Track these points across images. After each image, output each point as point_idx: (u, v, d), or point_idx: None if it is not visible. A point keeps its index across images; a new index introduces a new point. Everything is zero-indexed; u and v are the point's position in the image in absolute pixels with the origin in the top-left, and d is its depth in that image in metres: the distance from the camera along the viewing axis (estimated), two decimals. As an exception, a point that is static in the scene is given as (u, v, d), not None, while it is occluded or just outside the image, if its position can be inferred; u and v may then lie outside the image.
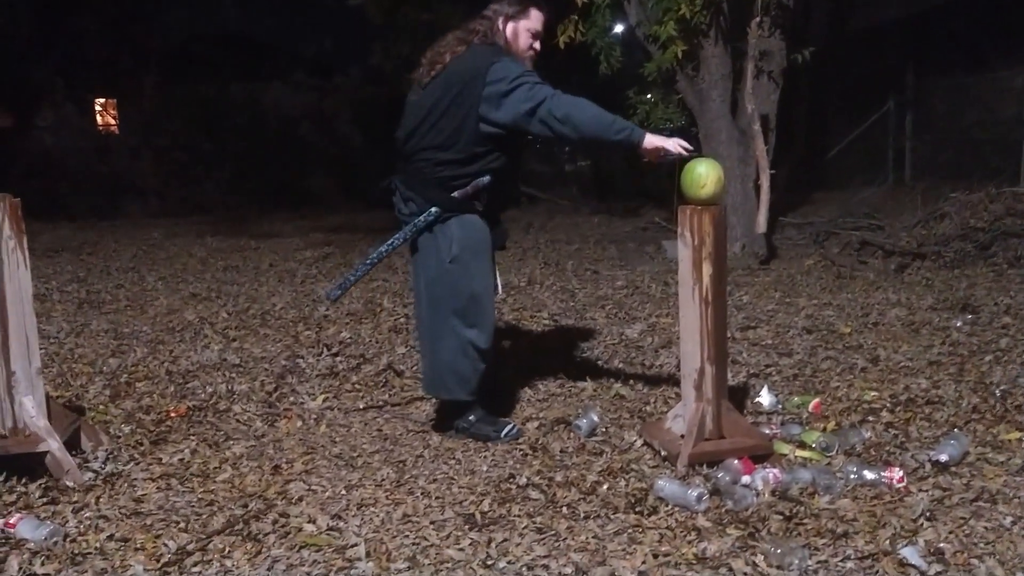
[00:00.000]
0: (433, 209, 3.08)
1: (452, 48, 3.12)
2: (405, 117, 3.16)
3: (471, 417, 3.24)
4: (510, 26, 3.14)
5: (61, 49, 14.96)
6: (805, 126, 11.71)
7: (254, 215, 12.72)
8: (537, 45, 3.19)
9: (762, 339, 4.56)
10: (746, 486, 2.66)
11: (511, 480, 2.84)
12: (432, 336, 3.22)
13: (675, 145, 2.98)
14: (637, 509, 2.58)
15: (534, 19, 3.16)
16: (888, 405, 3.42)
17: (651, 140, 2.98)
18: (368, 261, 3.33)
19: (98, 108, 16.95)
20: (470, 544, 2.40)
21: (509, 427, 3.24)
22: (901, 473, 2.68)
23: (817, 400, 3.46)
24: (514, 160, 3.18)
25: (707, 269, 2.83)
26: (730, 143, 7.31)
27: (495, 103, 2.98)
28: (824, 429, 3.18)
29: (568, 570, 2.24)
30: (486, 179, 3.08)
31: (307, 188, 15.08)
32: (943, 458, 2.78)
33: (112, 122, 16.99)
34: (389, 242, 3.21)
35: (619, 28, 8.78)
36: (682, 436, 2.92)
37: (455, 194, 3.07)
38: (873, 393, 3.56)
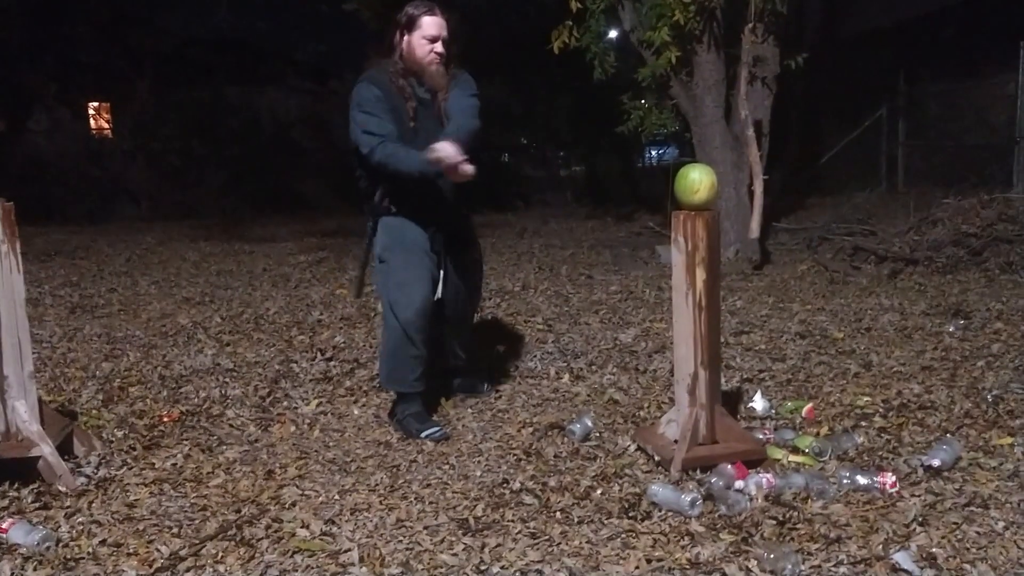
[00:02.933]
0: (370, 221, 3.43)
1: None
2: None
3: (405, 411, 3.39)
4: (405, 39, 3.31)
5: (55, 53, 14.93)
6: (798, 132, 11.77)
7: (248, 219, 12.70)
8: (439, 48, 3.28)
9: (755, 344, 4.57)
10: (739, 491, 2.66)
11: (505, 485, 2.84)
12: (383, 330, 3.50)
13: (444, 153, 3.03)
14: (631, 514, 2.59)
15: (426, 26, 3.27)
16: (881, 410, 3.43)
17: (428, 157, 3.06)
18: (361, 263, 3.69)
19: (92, 112, 16.92)
20: (463, 549, 2.40)
21: (433, 429, 3.32)
22: (894, 478, 2.69)
23: (810, 405, 3.47)
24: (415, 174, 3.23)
25: (700, 274, 2.83)
26: (724, 149, 7.34)
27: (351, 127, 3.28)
28: (817, 434, 3.19)
29: (562, 575, 2.24)
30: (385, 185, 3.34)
31: (301, 192, 15.08)
32: (936, 463, 2.79)
33: (106, 126, 16.96)
34: (364, 248, 3.58)
35: (613, 34, 8.81)
36: (676, 441, 2.92)
37: (376, 199, 3.37)
38: (866, 398, 3.57)
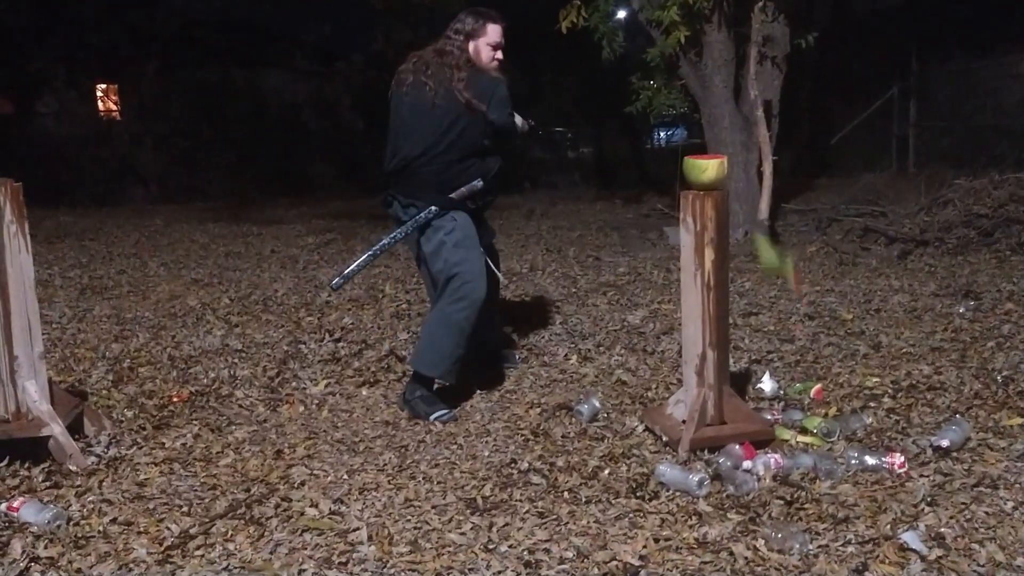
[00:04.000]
0: (433, 208, 3.37)
1: (450, 63, 3.38)
2: (413, 134, 3.40)
3: (417, 392, 3.38)
4: (471, 44, 3.43)
5: (62, 35, 14.90)
6: (808, 112, 11.69)
7: (256, 201, 12.70)
8: (499, 55, 3.48)
9: (764, 325, 4.56)
10: (747, 471, 2.66)
11: (513, 465, 2.84)
12: (430, 315, 3.47)
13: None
14: (638, 494, 2.59)
15: (491, 33, 3.44)
16: (890, 391, 3.42)
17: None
18: (371, 252, 3.57)
19: (99, 94, 16.91)
20: (472, 528, 2.40)
21: (442, 411, 3.32)
22: (902, 459, 2.68)
23: (819, 386, 3.46)
24: (497, 168, 3.52)
25: (709, 255, 2.82)
26: (733, 129, 7.30)
27: (498, 113, 3.38)
28: (825, 415, 3.18)
29: (569, 554, 2.25)
30: (479, 183, 3.42)
31: (308, 174, 15.07)
32: (944, 444, 2.78)
33: (113, 108, 16.95)
34: (392, 235, 3.48)
35: (622, 13, 8.75)
36: (683, 422, 2.92)
37: (452, 195, 3.38)
38: (875, 379, 3.56)
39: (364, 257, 3.55)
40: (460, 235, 3.37)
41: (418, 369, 3.41)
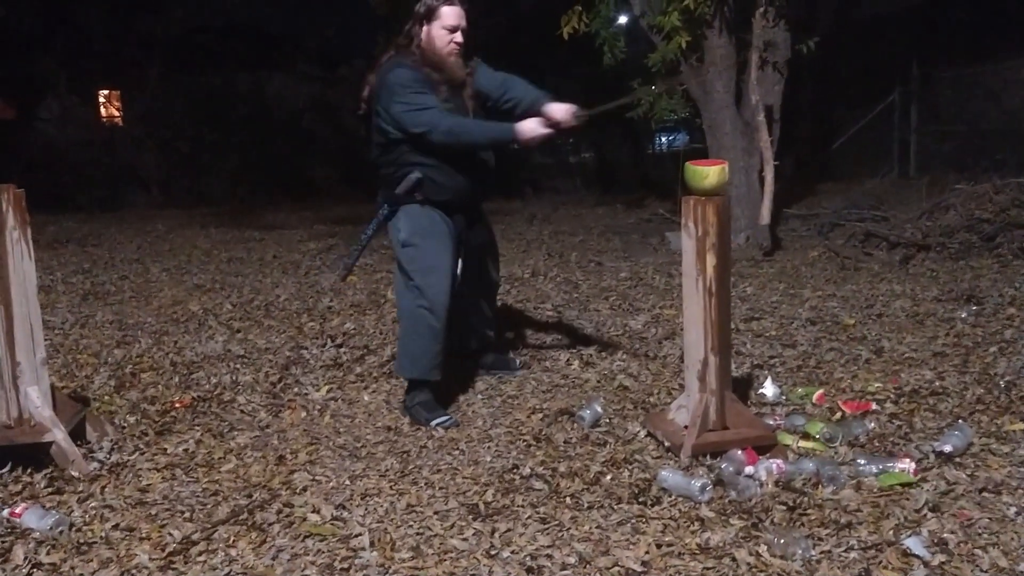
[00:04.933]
0: (385, 205, 3.41)
1: (383, 58, 3.35)
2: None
3: (415, 399, 3.38)
4: (424, 29, 3.30)
5: (64, 40, 14.94)
6: (810, 117, 11.69)
7: (258, 206, 12.72)
8: (458, 38, 3.30)
9: (766, 330, 4.56)
10: (750, 477, 2.66)
11: (515, 471, 2.84)
12: (400, 319, 3.48)
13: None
14: (640, 499, 2.59)
15: (446, 16, 3.27)
16: (892, 396, 3.42)
17: (527, 130, 3.18)
18: (357, 247, 3.67)
19: (102, 100, 16.93)
20: (474, 534, 2.40)
21: (443, 418, 3.31)
22: (914, 465, 2.67)
23: (821, 391, 3.46)
24: (439, 164, 3.30)
25: (711, 260, 2.82)
26: (734, 134, 7.30)
27: (386, 115, 3.25)
28: (828, 420, 3.18)
29: (571, 560, 2.25)
30: (415, 175, 3.30)
31: (311, 179, 15.08)
32: (947, 449, 2.78)
33: (116, 113, 16.97)
34: (365, 232, 3.56)
35: (623, 19, 8.75)
36: (686, 427, 2.92)
37: (398, 190, 3.34)
38: (877, 384, 3.56)
39: (353, 252, 3.71)
40: (406, 234, 3.34)
41: (400, 375, 3.48)
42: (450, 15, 3.27)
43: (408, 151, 3.29)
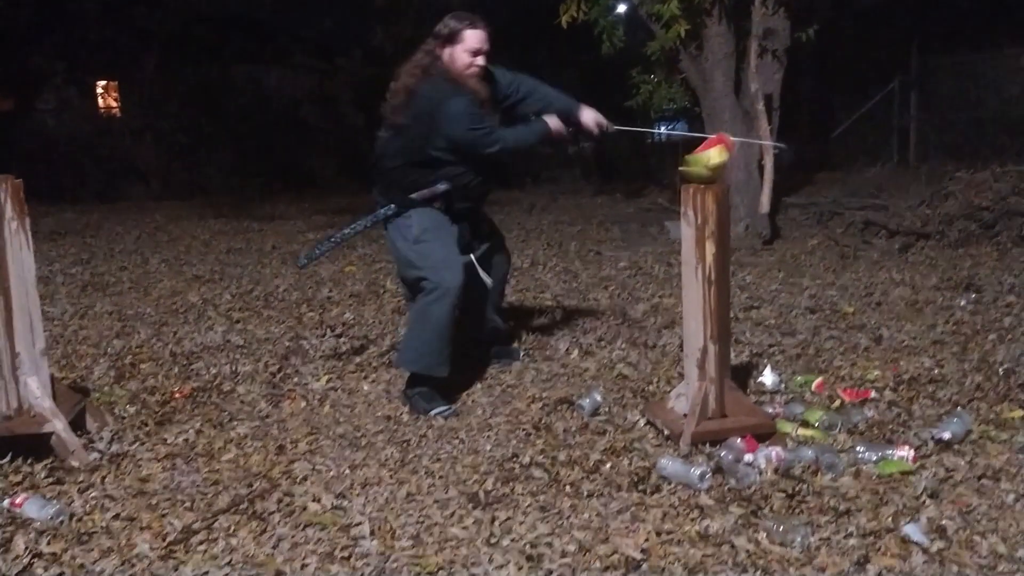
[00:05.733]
0: (391, 206, 3.41)
1: (410, 78, 3.36)
2: (382, 136, 3.47)
3: (416, 389, 3.39)
4: (446, 51, 3.33)
5: (62, 32, 14.87)
6: (809, 106, 11.67)
7: (257, 197, 12.69)
8: (480, 61, 3.34)
9: (765, 319, 4.56)
10: (749, 464, 2.66)
11: (514, 459, 2.85)
12: (409, 312, 3.50)
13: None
14: (640, 487, 2.59)
15: (469, 39, 3.31)
16: (891, 384, 3.42)
17: (556, 126, 3.47)
18: (336, 237, 3.67)
19: (100, 91, 16.88)
20: (474, 522, 2.41)
21: (442, 408, 3.32)
22: (913, 452, 2.68)
23: (820, 379, 3.46)
24: (468, 175, 3.43)
25: (710, 248, 2.82)
26: (733, 123, 7.27)
27: (440, 139, 3.31)
28: (827, 408, 3.18)
29: (571, 548, 2.25)
30: (443, 187, 3.37)
31: (309, 170, 15.04)
32: (946, 436, 2.78)
33: (114, 105, 16.92)
34: (353, 225, 3.59)
35: (622, 7, 8.72)
36: (685, 415, 2.92)
37: (414, 195, 3.38)
38: (876, 372, 3.56)
39: (328, 242, 3.69)
40: (418, 231, 3.35)
41: (403, 367, 3.45)
42: (474, 39, 3.31)
43: (442, 166, 3.35)
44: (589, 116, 3.54)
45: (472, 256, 3.53)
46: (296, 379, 3.81)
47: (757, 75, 6.89)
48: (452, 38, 3.31)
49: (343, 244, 3.72)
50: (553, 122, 3.46)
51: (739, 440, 2.76)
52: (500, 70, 3.52)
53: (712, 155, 2.85)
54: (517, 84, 3.55)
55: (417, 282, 3.36)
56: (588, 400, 3.27)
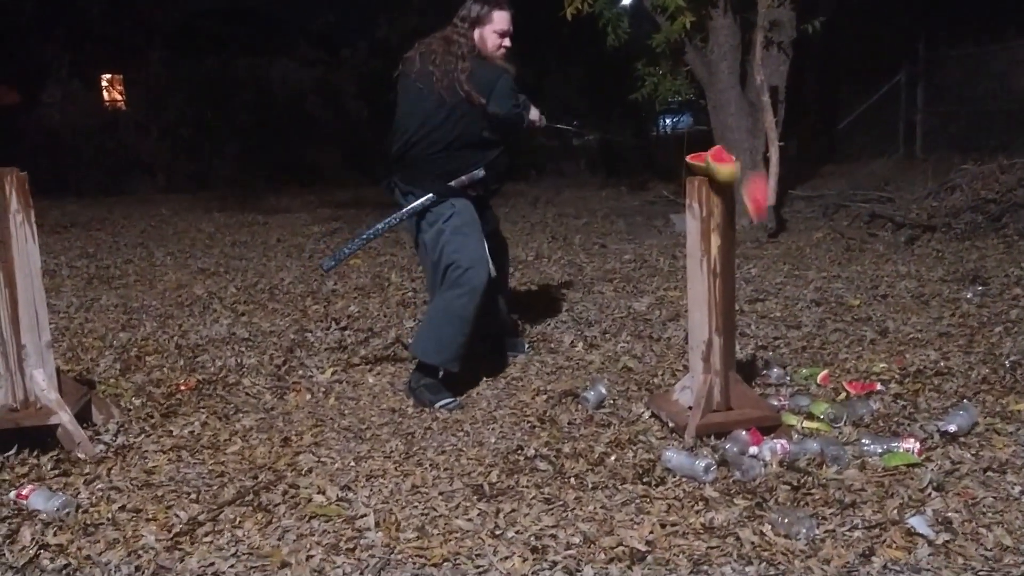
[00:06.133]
0: (430, 195, 3.37)
1: (454, 52, 3.34)
2: (416, 122, 3.40)
3: (422, 381, 3.37)
4: (476, 32, 3.39)
5: (66, 25, 14.88)
6: (815, 98, 11.63)
7: (261, 190, 12.70)
8: (507, 42, 3.43)
9: (771, 311, 4.55)
10: (754, 457, 2.66)
11: (519, 452, 2.85)
12: (432, 303, 3.46)
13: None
14: (645, 480, 2.59)
15: (497, 21, 3.39)
16: (897, 376, 3.41)
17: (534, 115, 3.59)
18: (364, 236, 3.59)
19: (105, 84, 16.89)
20: (478, 514, 2.41)
21: (447, 400, 3.32)
22: (918, 445, 2.67)
23: (826, 372, 3.46)
24: (502, 158, 3.51)
25: (715, 240, 2.81)
26: (739, 115, 7.25)
27: (494, 118, 3.37)
28: (832, 400, 3.17)
29: (576, 540, 2.26)
30: (481, 172, 3.39)
31: (314, 163, 15.04)
32: (952, 429, 2.78)
33: (119, 98, 16.93)
34: (386, 221, 3.49)
35: (627, 0, 8.69)
36: (690, 408, 2.92)
37: (452, 183, 3.37)
38: (882, 365, 3.55)
39: (358, 240, 3.60)
40: (458, 222, 3.35)
41: (420, 357, 3.40)
42: (501, 19, 3.39)
43: (489, 147, 3.41)
44: (534, 112, 3.61)
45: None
46: (301, 372, 3.82)
47: (763, 67, 6.85)
48: (481, 20, 3.37)
49: (373, 240, 3.67)
50: (533, 113, 3.57)
51: (744, 432, 2.76)
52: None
53: (722, 171, 2.78)
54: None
55: (446, 274, 3.33)
56: (593, 392, 3.27)
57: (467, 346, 3.36)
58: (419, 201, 3.38)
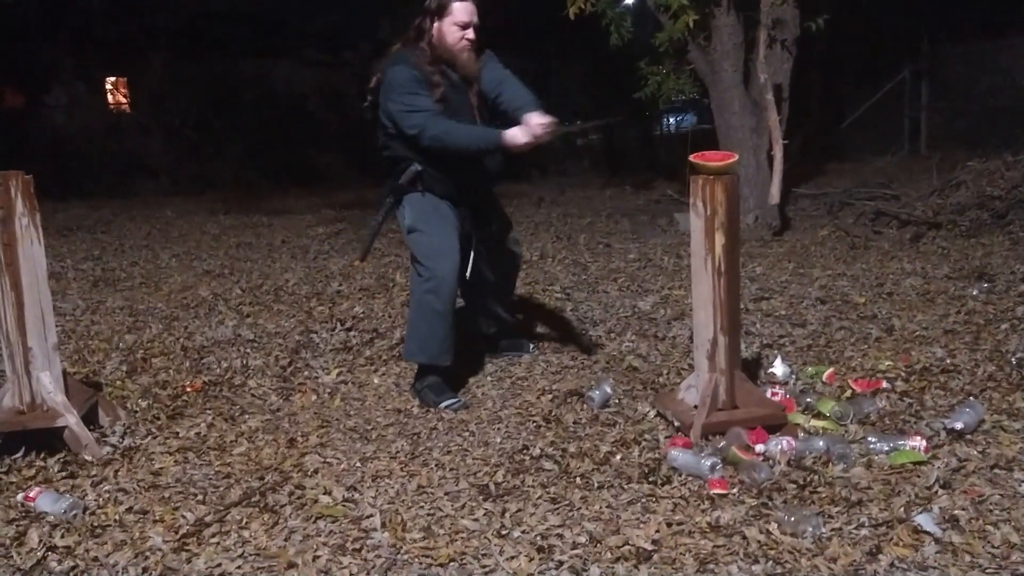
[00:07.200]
0: (389, 197, 3.41)
1: (392, 47, 3.36)
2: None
3: (426, 382, 3.38)
4: (435, 26, 3.27)
5: (70, 28, 14.91)
6: (819, 96, 11.59)
7: (266, 192, 12.71)
8: (470, 34, 3.27)
9: (776, 310, 4.55)
10: (760, 455, 2.66)
11: (525, 451, 2.85)
12: (410, 304, 3.48)
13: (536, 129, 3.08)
14: (651, 479, 2.59)
15: (457, 12, 3.24)
16: (903, 374, 3.41)
17: (512, 138, 3.10)
18: (369, 230, 3.68)
19: (109, 87, 16.93)
20: (484, 514, 2.41)
21: (451, 400, 3.32)
22: (925, 443, 2.67)
23: (831, 370, 3.45)
24: (434, 155, 3.27)
25: (720, 239, 2.81)
26: (743, 113, 7.24)
27: (384, 111, 3.29)
28: (839, 398, 3.17)
29: (582, 539, 2.26)
30: (415, 167, 3.31)
31: (318, 164, 15.05)
32: (958, 426, 2.77)
33: (123, 101, 16.96)
34: (376, 219, 3.55)
35: (630, -1, 8.69)
36: (695, 406, 2.92)
37: (400, 180, 3.36)
38: (888, 363, 3.55)
39: (369, 231, 3.66)
40: (412, 219, 3.35)
41: (408, 359, 3.46)
42: (461, 11, 3.24)
43: (406, 145, 3.30)
44: (537, 121, 3.08)
45: (473, 248, 3.47)
46: (306, 373, 3.83)
47: (766, 65, 6.84)
48: (440, 11, 3.24)
49: (378, 232, 3.67)
50: (511, 134, 3.10)
51: (742, 431, 2.74)
52: (496, 66, 3.38)
53: (709, 166, 2.85)
54: (501, 88, 3.31)
55: (414, 271, 3.37)
56: (598, 392, 3.27)
57: (450, 338, 3.35)
58: (387, 200, 3.42)
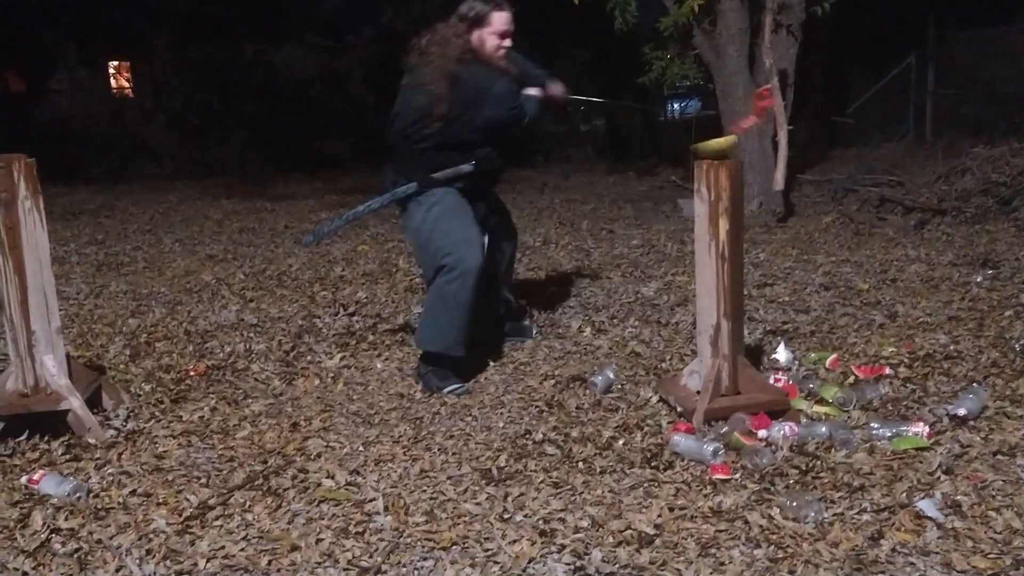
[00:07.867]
0: (413, 184, 3.41)
1: (446, 63, 3.32)
2: (406, 115, 3.43)
3: (430, 367, 3.39)
4: (475, 35, 3.37)
5: (73, 12, 14.87)
6: (824, 81, 11.55)
7: (269, 177, 12.71)
8: (507, 43, 3.40)
9: (779, 296, 4.54)
10: (763, 441, 2.66)
11: (527, 436, 2.85)
12: (428, 292, 3.47)
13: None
14: (653, 464, 2.60)
15: (496, 22, 3.36)
16: (906, 360, 3.40)
17: (551, 89, 3.58)
18: (346, 216, 3.71)
19: (112, 71, 16.89)
20: (487, 498, 2.42)
21: (454, 385, 3.32)
22: (928, 429, 2.67)
23: (834, 356, 3.45)
24: (491, 157, 3.48)
25: (724, 224, 2.80)
26: (747, 99, 7.19)
27: (483, 120, 3.36)
28: (841, 384, 3.17)
29: (584, 523, 2.26)
30: (468, 167, 3.40)
31: (321, 149, 15.03)
32: (961, 412, 2.77)
33: (126, 85, 16.93)
34: (367, 204, 3.57)
35: (634, -17, 8.63)
36: (698, 392, 2.92)
37: (437, 175, 3.39)
38: (891, 349, 3.54)
39: (339, 220, 3.75)
40: (440, 210, 3.37)
41: (422, 346, 3.42)
42: (500, 20, 3.36)
43: (475, 148, 3.39)
44: (556, 87, 3.63)
45: (486, 236, 3.52)
46: (309, 357, 3.83)
47: (771, 50, 6.81)
48: (480, 21, 3.35)
49: (354, 223, 3.70)
50: (550, 89, 3.57)
51: (745, 416, 2.75)
52: (518, 58, 3.53)
53: (720, 140, 2.87)
54: (524, 74, 3.54)
55: (436, 262, 3.34)
56: (601, 377, 3.27)
57: (467, 330, 3.36)
58: (400, 188, 3.42)
